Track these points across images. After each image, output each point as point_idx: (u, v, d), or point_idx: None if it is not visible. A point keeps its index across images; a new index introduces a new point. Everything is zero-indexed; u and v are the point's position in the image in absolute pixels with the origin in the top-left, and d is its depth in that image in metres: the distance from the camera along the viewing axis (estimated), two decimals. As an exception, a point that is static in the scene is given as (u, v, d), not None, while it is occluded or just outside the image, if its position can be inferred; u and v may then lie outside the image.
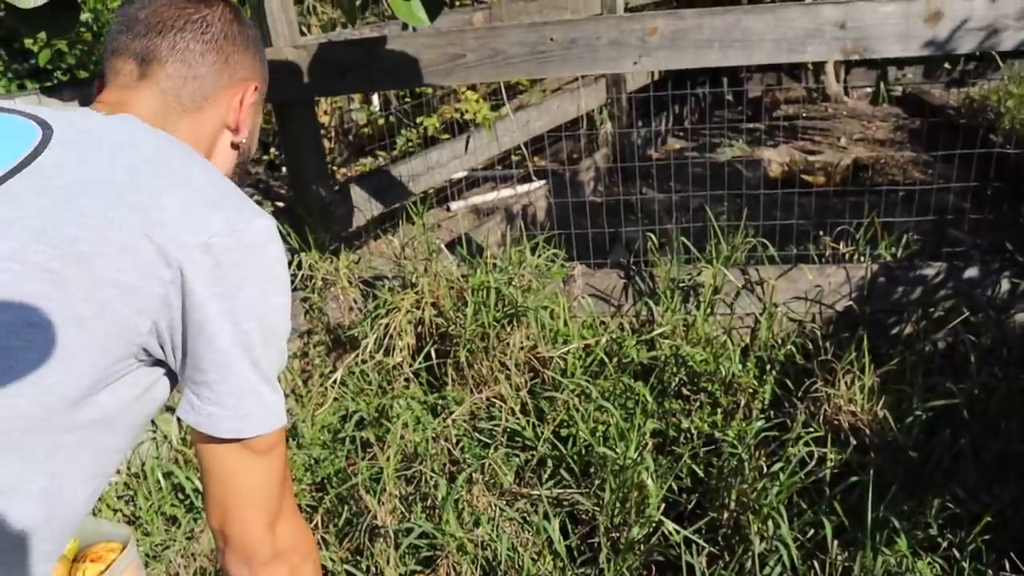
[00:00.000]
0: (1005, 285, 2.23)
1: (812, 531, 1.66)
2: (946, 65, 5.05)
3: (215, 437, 0.78)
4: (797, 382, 1.99)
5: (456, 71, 2.17)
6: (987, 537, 1.58)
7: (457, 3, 4.57)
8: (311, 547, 0.89)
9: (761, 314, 2.25)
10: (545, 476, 1.85)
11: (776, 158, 4.74)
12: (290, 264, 2.31)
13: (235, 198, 0.80)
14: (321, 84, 2.25)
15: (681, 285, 2.29)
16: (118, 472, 2.06)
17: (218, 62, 0.90)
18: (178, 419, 2.14)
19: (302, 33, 2.92)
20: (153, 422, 2.10)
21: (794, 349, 2.13)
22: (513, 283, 2.16)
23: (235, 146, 0.96)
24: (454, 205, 3.95)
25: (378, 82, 2.29)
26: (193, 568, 1.81)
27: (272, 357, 0.80)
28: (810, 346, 2.12)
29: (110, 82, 0.89)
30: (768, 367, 2.09)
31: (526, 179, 3.99)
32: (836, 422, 1.85)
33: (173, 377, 0.82)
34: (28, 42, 4.38)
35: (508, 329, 2.09)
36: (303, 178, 2.35)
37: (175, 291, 0.73)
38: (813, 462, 1.73)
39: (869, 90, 5.93)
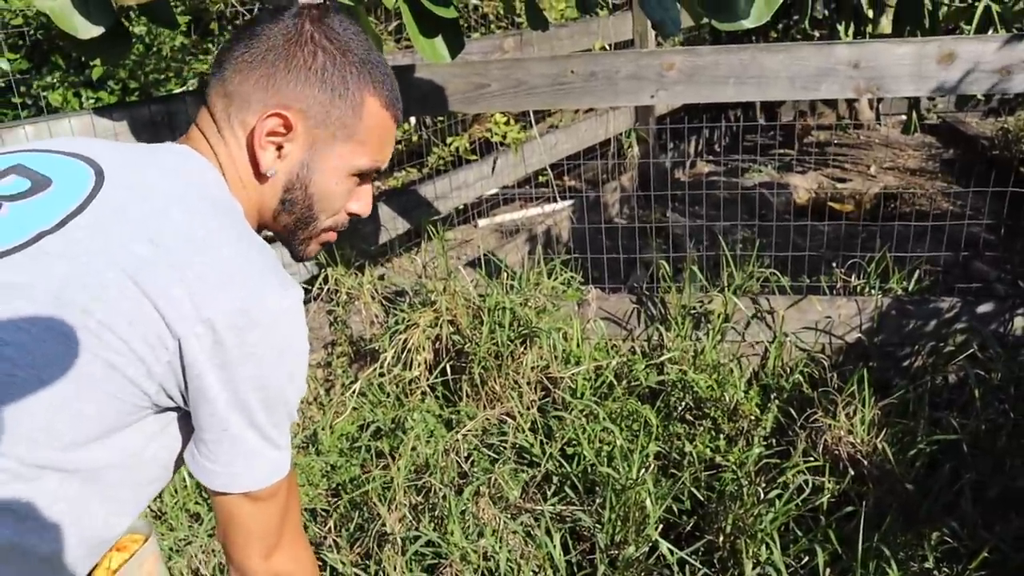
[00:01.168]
0: (1019, 322, 2.26)
1: (806, 558, 1.71)
2: (979, 96, 5.03)
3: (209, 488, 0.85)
4: (801, 411, 2.04)
5: (481, 99, 2.27)
6: (984, 573, 1.62)
7: (492, 26, 4.68)
8: (309, 571, 0.94)
9: (770, 343, 2.31)
10: (550, 492, 1.92)
11: (804, 184, 4.77)
12: (316, 279, 2.42)
13: (257, 272, 0.80)
14: (353, 108, 2.35)
15: (692, 312, 2.35)
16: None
17: (263, 78, 0.90)
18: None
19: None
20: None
21: (801, 378, 2.18)
22: (528, 304, 2.24)
23: (262, 177, 0.93)
24: (481, 223, 4.05)
25: (407, 108, 2.39)
26: (213, 564, 1.91)
27: (276, 420, 0.83)
28: (817, 376, 2.17)
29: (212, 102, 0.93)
30: (773, 395, 2.14)
31: (553, 199, 4.08)
32: (835, 452, 1.90)
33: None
34: (83, 54, 4.58)
35: (522, 349, 2.17)
36: (333, 196, 2.46)
37: (177, 360, 0.76)
38: (809, 490, 1.78)
39: (903, 118, 5.91)
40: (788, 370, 2.26)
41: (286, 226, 0.99)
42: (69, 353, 0.71)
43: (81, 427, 0.74)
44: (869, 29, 4.01)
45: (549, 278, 2.36)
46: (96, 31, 1.69)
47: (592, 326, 2.38)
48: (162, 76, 4.84)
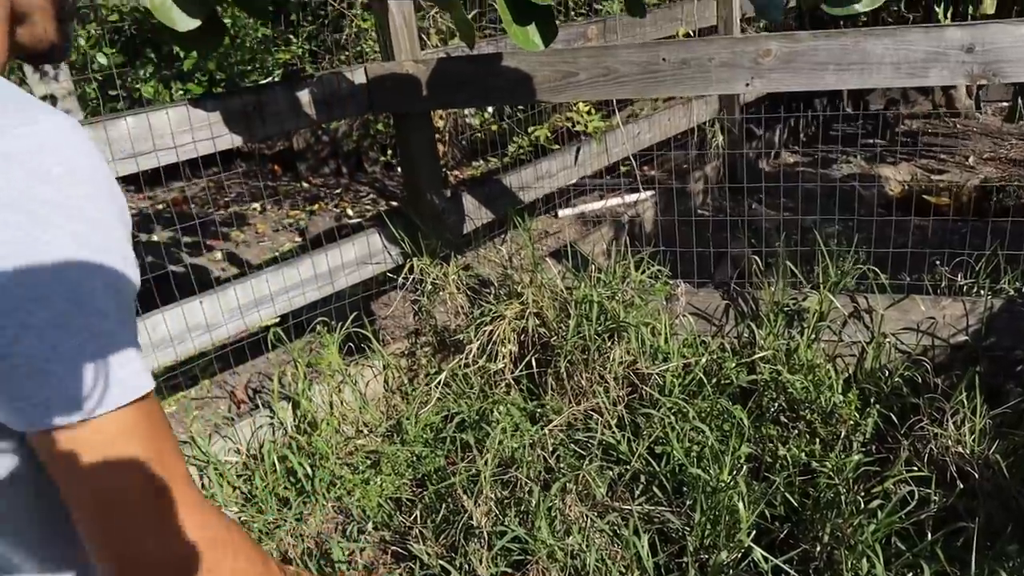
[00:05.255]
0: None
1: (910, 574, 1.63)
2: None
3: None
4: (902, 417, 1.95)
5: (568, 88, 2.22)
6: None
7: (572, 13, 4.62)
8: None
9: (868, 344, 2.20)
10: (637, 492, 1.88)
11: (895, 176, 4.57)
12: (401, 268, 2.43)
13: None
14: (438, 97, 2.35)
15: (785, 309, 2.27)
16: (238, 452, 2.23)
17: None
18: (294, 407, 2.30)
19: (423, 45, 3.04)
20: (271, 409, 2.26)
21: (901, 382, 2.08)
22: (616, 298, 2.20)
23: None
24: (562, 213, 4.01)
25: (493, 97, 2.38)
26: (301, 548, 1.94)
27: None
28: (919, 380, 2.06)
29: None
30: (872, 399, 2.04)
31: (634, 189, 4.00)
32: (942, 463, 1.80)
33: None
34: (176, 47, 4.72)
35: (609, 343, 2.13)
36: (418, 185, 2.46)
37: None
38: (915, 502, 1.69)
39: (1005, 105, 5.60)
40: (887, 373, 2.16)
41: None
42: None
43: None
44: (971, 11, 3.79)
45: (636, 271, 2.31)
46: (193, 24, 1.71)
47: (680, 321, 2.32)
48: (248, 67, 4.95)
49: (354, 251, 2.40)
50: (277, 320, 2.44)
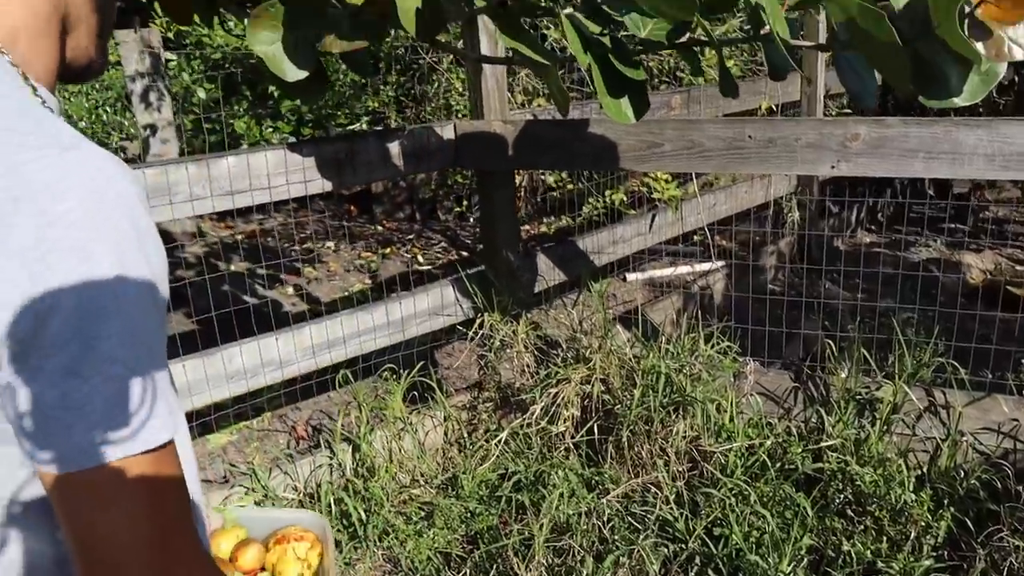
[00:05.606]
0: None
1: None
2: None
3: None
4: (979, 524, 1.86)
5: (652, 159, 2.25)
6: None
7: (656, 80, 4.68)
8: None
9: (944, 441, 2.12)
10: (692, 573, 1.83)
11: (978, 265, 4.43)
12: (472, 322, 2.46)
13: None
14: (524, 158, 2.40)
15: (857, 397, 2.21)
16: (295, 489, 2.26)
17: None
18: (354, 449, 2.33)
19: (510, 104, 3.12)
20: (331, 449, 2.30)
21: (978, 485, 1.99)
22: (683, 371, 2.18)
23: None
24: (631, 276, 4.00)
25: (577, 162, 2.42)
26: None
27: None
28: (998, 486, 1.97)
29: None
30: (946, 501, 1.96)
31: (706, 258, 3.98)
32: (1020, 576, 1.71)
33: None
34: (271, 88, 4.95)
35: (673, 416, 2.11)
36: (496, 242, 2.50)
37: None
38: (988, 616, 1.61)
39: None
40: (964, 474, 2.07)
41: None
42: None
43: None
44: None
45: (705, 344, 2.29)
46: (301, 75, 1.80)
47: (747, 400, 2.28)
48: (336, 111, 5.14)
49: (427, 301, 2.44)
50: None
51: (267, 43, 1.76)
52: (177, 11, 1.82)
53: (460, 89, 4.54)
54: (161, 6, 1.83)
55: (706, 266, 3.93)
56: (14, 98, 0.61)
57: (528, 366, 2.34)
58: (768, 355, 2.55)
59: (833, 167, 2.14)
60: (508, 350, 2.40)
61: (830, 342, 2.32)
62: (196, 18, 1.86)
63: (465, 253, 4.68)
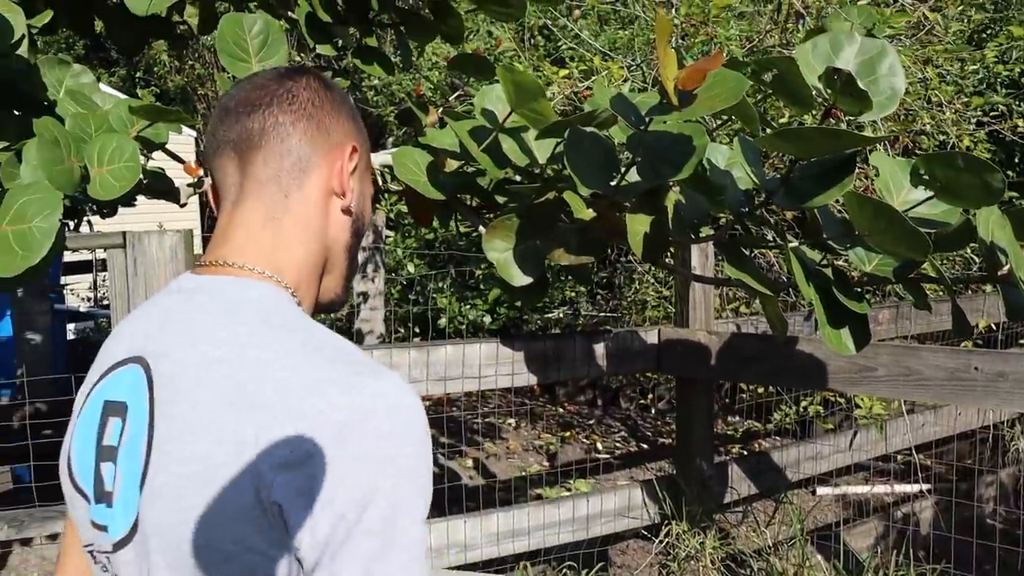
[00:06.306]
0: None
1: None
2: None
3: None
4: None
5: (864, 382, 2.17)
6: None
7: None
8: None
9: None
10: None
11: None
12: (658, 528, 2.39)
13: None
14: (726, 369, 2.40)
15: None
16: None
17: (309, 129, 0.85)
18: None
19: (717, 315, 3.16)
20: None
21: None
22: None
23: (346, 212, 0.88)
24: (821, 490, 3.75)
25: (782, 379, 2.38)
26: None
27: None
28: None
29: (219, 184, 0.87)
30: None
31: (911, 479, 3.66)
32: None
33: None
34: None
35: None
36: (690, 449, 2.47)
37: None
38: None
39: None
40: None
41: (343, 270, 0.91)
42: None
43: None
44: None
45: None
46: (527, 280, 1.95)
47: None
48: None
49: (615, 502, 2.42)
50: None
51: (500, 251, 1.93)
52: (420, 215, 2.06)
53: (657, 287, 4.63)
54: (409, 210, 2.09)
55: (908, 488, 3.61)
56: (318, 328, 0.78)
57: (717, 586, 2.22)
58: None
59: (1075, 410, 1.97)
60: (693, 563, 2.29)
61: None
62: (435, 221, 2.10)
63: (645, 445, 4.61)
